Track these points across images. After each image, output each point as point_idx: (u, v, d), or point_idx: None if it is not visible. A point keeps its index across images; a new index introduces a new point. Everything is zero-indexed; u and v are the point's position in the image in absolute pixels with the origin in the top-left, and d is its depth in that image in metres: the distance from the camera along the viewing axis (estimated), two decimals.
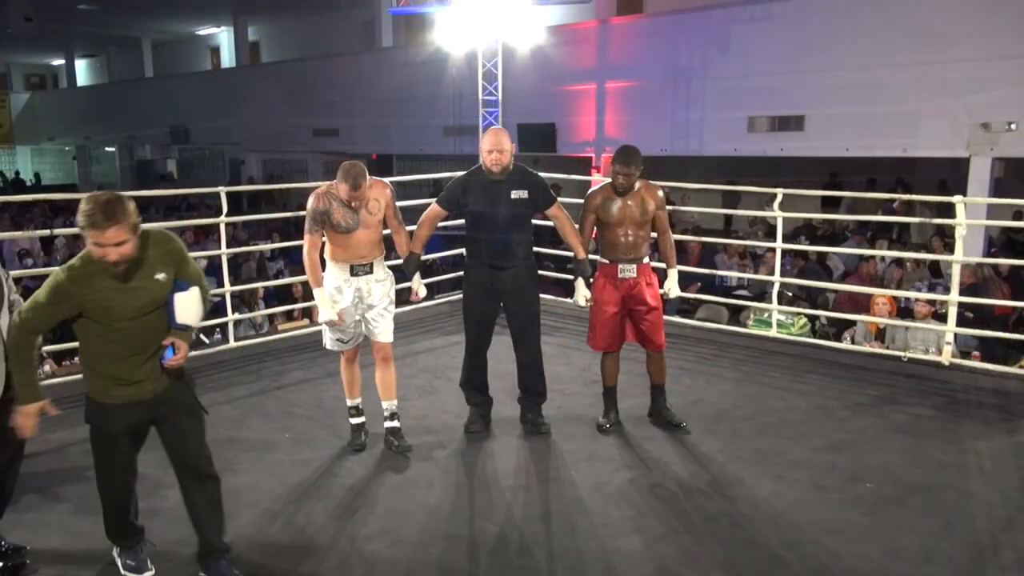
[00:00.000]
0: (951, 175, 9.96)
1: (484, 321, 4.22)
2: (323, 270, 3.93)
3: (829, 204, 11.85)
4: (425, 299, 4.44)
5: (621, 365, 4.50)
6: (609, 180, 4.23)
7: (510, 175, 4.01)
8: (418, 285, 4.14)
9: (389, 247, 4.10)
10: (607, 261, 4.21)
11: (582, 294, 4.18)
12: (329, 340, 4.02)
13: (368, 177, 3.71)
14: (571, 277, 4.35)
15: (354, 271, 3.88)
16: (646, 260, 4.22)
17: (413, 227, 4.26)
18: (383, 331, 3.99)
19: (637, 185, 4.15)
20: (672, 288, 4.29)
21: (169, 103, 21.16)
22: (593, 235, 4.38)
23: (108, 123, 23.81)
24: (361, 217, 3.79)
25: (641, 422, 4.40)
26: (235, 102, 19.16)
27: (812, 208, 11.16)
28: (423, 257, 4.40)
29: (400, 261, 4.16)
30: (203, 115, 20.33)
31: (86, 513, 3.37)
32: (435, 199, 4.21)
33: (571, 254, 4.24)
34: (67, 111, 26.12)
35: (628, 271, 4.16)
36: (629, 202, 4.12)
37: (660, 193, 4.23)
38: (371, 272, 3.92)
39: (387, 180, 4.02)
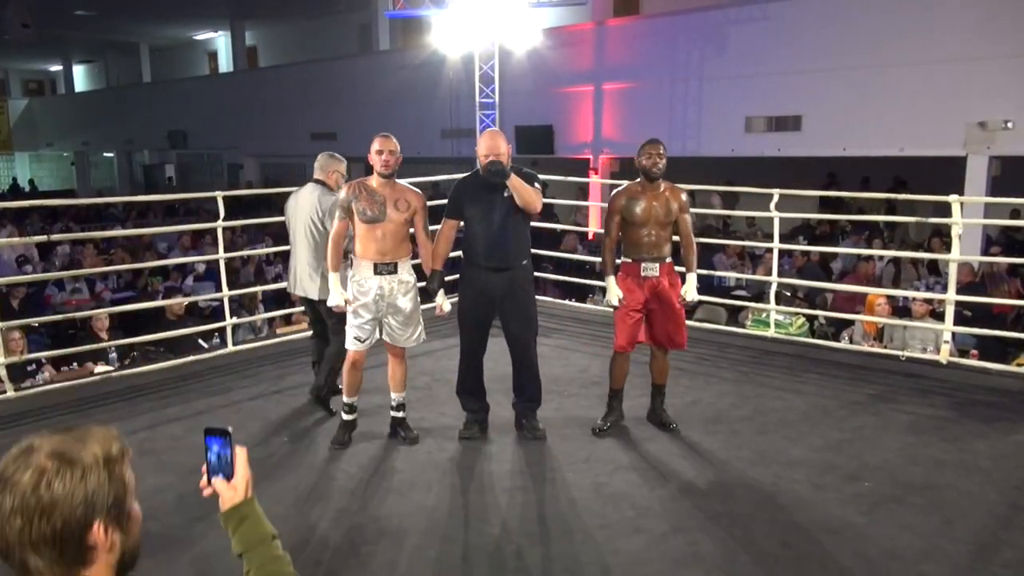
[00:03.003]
0: (944, 175, 9.96)
1: (479, 326, 4.20)
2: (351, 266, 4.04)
3: (827, 204, 11.88)
4: (425, 302, 4.43)
5: None
6: (628, 182, 4.23)
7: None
8: (442, 300, 4.14)
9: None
10: (630, 260, 4.21)
11: (615, 294, 4.15)
12: (349, 339, 4.05)
13: (398, 145, 3.91)
14: (570, 279, 4.35)
15: (377, 269, 3.94)
16: (669, 259, 4.23)
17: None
18: (409, 337, 4.08)
19: (663, 186, 4.16)
20: (689, 291, 4.28)
21: (167, 108, 21.17)
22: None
23: (106, 128, 23.83)
24: (387, 211, 3.89)
25: (639, 423, 4.40)
26: (233, 106, 19.18)
27: (811, 208, 11.18)
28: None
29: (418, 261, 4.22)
30: (201, 120, 20.35)
31: None
32: (444, 215, 4.18)
33: (571, 256, 4.23)
34: (65, 117, 26.13)
35: (651, 270, 4.17)
36: (654, 202, 4.13)
37: (684, 196, 4.23)
38: (395, 272, 3.97)
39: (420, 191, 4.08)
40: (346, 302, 3.96)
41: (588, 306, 6.93)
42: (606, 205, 4.34)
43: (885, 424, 4.37)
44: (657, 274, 4.17)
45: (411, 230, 4.09)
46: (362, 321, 3.98)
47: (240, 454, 1.37)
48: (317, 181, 4.54)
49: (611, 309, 4.30)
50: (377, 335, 4.07)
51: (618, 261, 4.30)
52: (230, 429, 1.37)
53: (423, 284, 4.19)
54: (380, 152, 3.88)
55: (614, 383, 4.36)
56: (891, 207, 9.98)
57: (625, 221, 4.19)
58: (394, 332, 4.05)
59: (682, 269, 4.36)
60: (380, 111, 15.12)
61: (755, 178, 8.52)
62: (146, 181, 24.56)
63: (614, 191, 4.30)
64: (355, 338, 4.02)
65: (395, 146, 3.91)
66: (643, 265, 4.16)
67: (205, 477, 1.36)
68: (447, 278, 7.13)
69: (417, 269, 4.16)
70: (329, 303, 4.03)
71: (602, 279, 4.56)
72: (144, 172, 25.09)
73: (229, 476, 1.36)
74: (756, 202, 10.98)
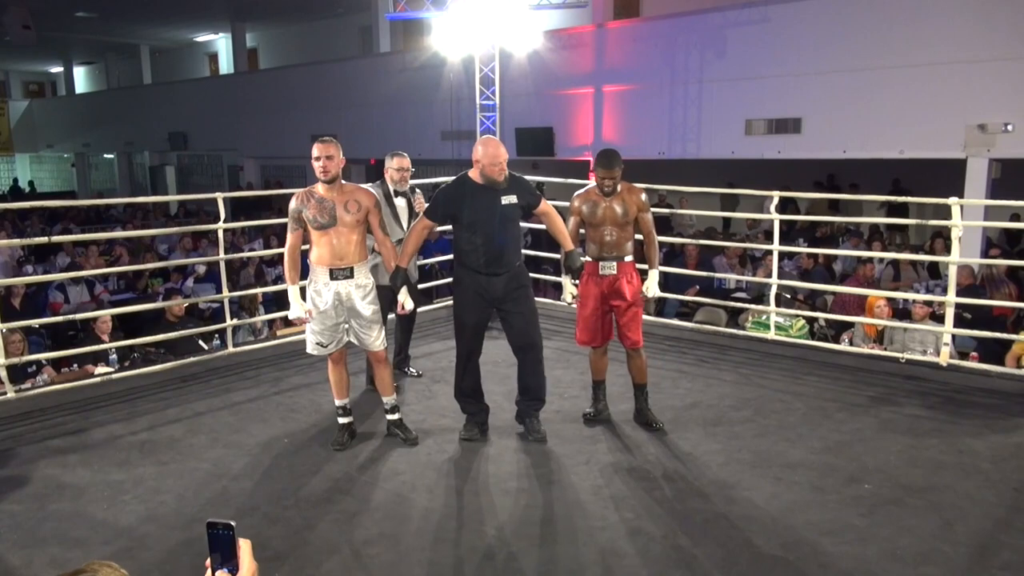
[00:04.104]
0: (945, 177, 9.98)
1: (477, 328, 4.21)
2: (307, 273, 4.03)
3: (829, 206, 11.91)
4: (414, 309, 4.43)
5: (620, 368, 4.56)
6: (591, 185, 4.40)
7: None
8: (404, 298, 4.13)
9: None
10: (590, 259, 4.37)
11: (569, 291, 4.32)
12: (311, 344, 4.07)
13: (339, 149, 3.92)
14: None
15: (333, 275, 3.94)
16: (628, 259, 4.35)
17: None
18: (373, 341, 4.07)
19: (619, 187, 4.28)
20: (651, 287, 4.42)
21: (168, 110, 21.18)
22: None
23: (107, 130, 23.84)
24: (338, 215, 3.88)
25: (639, 426, 4.40)
26: (233, 108, 19.19)
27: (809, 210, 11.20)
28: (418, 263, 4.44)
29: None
30: (201, 121, 20.36)
31: (83, 521, 3.38)
32: (423, 212, 4.22)
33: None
34: (66, 118, 26.13)
35: (608, 268, 4.31)
36: (612, 203, 4.28)
37: (643, 196, 4.37)
38: (351, 276, 3.96)
39: (374, 192, 4.13)
40: (308, 313, 3.94)
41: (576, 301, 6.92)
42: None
43: (885, 426, 4.38)
44: (614, 272, 4.31)
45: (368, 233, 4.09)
46: (322, 328, 3.98)
47: (244, 546, 1.37)
48: (380, 179, 5.00)
49: (567, 305, 4.51)
50: (345, 339, 4.08)
51: (585, 259, 4.43)
52: (233, 523, 1.36)
53: (424, 285, 4.20)
54: (318, 159, 3.84)
55: (593, 376, 4.57)
56: (843, 208, 9.99)
57: (586, 222, 4.36)
58: (359, 335, 4.05)
59: (645, 267, 4.47)
60: (380, 113, 15.14)
61: (754, 180, 8.53)
62: (152, 183, 24.56)
63: (574, 193, 4.44)
64: (317, 343, 4.03)
65: (334, 151, 3.87)
66: (600, 264, 4.32)
67: (209, 571, 1.35)
68: (445, 281, 7.16)
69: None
70: (290, 316, 4.03)
71: None
72: (150, 174, 25.09)
73: (234, 571, 1.35)
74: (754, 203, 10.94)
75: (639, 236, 4.46)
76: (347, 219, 3.89)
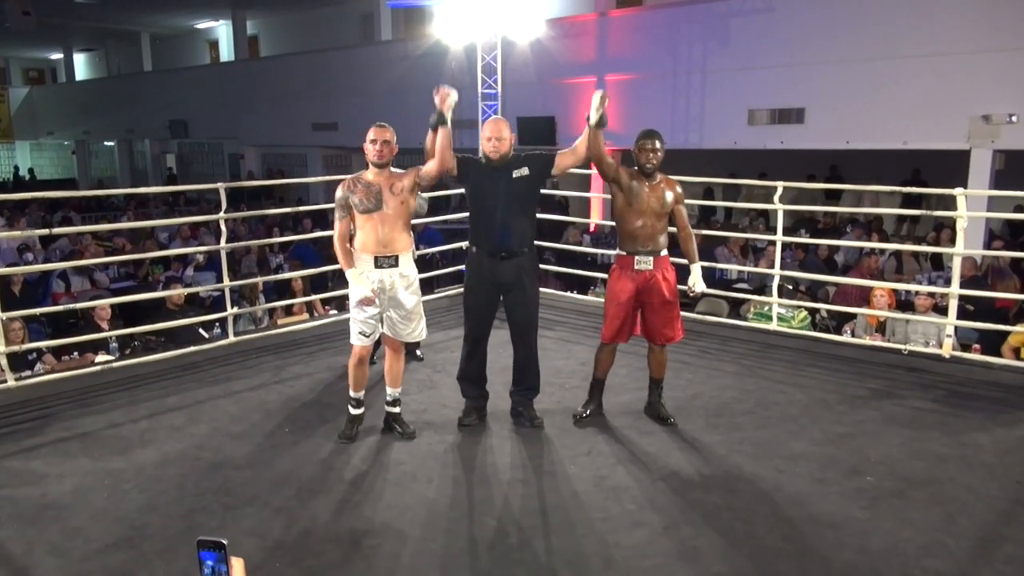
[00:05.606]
0: (950, 168, 9.95)
1: (484, 312, 4.21)
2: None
3: (830, 196, 11.87)
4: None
5: (623, 359, 4.51)
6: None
7: (509, 162, 4.00)
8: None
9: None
10: (624, 253, 4.21)
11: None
12: (354, 334, 4.01)
13: (394, 136, 3.88)
14: (572, 272, 4.36)
15: (378, 263, 3.91)
16: (664, 253, 4.21)
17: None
18: (410, 333, 4.04)
19: (658, 177, 4.15)
20: (696, 283, 4.23)
21: (168, 97, 21.12)
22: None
23: (107, 117, 23.79)
24: (384, 198, 3.86)
25: (640, 417, 4.40)
26: (234, 96, 19.13)
27: (809, 201, 11.16)
28: (419, 252, 4.36)
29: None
30: (202, 109, 20.31)
31: (78, 505, 3.38)
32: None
33: (574, 248, 4.25)
34: (66, 106, 26.07)
35: (645, 263, 4.15)
36: (653, 192, 4.12)
37: (679, 188, 4.24)
38: (396, 265, 3.93)
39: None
40: (373, 292, 3.87)
41: (590, 298, 6.91)
42: (609, 196, 4.32)
43: (887, 418, 4.37)
44: (651, 267, 4.16)
45: (411, 220, 4.06)
46: (366, 316, 3.94)
47: (236, 565, 1.33)
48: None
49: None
50: (381, 329, 4.05)
51: (614, 253, 4.32)
52: (225, 542, 1.32)
53: (426, 275, 4.16)
54: (374, 141, 3.85)
55: (597, 373, 4.40)
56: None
57: (621, 201, 4.13)
58: (396, 326, 4.02)
59: (682, 261, 4.34)
60: (382, 101, 15.09)
61: (757, 171, 8.49)
62: (156, 171, 24.52)
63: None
64: (359, 333, 3.99)
65: (390, 136, 3.88)
66: (636, 259, 4.16)
67: None
68: (450, 268, 7.15)
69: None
70: (354, 300, 3.90)
71: (604, 271, 4.57)
72: (155, 162, 25.02)
73: None
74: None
75: (671, 229, 4.30)
76: (392, 201, 3.87)
